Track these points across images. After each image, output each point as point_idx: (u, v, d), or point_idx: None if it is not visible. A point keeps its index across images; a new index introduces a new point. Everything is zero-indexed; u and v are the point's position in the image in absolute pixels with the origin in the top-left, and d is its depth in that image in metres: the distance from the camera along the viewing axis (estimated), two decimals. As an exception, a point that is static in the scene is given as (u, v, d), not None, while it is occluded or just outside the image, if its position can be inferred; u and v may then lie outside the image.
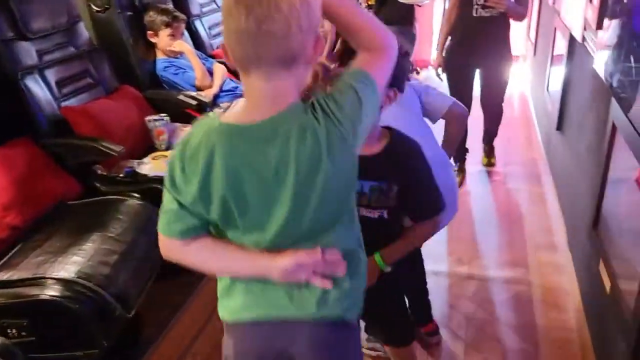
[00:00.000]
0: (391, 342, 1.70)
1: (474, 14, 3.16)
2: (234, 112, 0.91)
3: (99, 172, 2.00)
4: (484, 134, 3.63)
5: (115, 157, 2.02)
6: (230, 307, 1.07)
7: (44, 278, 1.43)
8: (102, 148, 1.90)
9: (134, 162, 2.04)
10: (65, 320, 1.40)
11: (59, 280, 1.42)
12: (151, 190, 1.93)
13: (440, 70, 3.36)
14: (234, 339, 1.09)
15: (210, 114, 1.02)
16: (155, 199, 1.91)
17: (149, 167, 2.03)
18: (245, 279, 1.02)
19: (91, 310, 1.39)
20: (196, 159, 0.89)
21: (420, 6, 4.00)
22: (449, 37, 3.32)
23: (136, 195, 1.87)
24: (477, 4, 3.08)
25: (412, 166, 1.34)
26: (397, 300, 1.59)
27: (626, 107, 1.60)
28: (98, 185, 1.99)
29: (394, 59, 0.97)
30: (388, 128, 1.35)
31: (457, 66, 3.28)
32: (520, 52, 5.70)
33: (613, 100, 1.73)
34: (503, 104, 3.50)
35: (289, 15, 0.79)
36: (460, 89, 3.19)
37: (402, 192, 1.34)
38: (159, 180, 1.97)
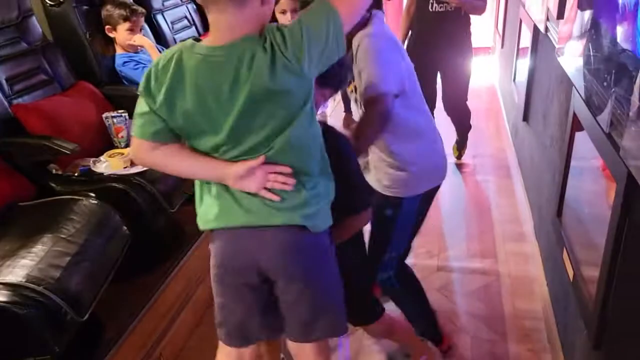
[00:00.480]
0: (354, 321, 1.66)
1: (430, 9, 3.12)
2: (205, 39, 1.09)
3: (54, 171, 1.93)
4: (457, 135, 3.62)
5: (71, 156, 1.94)
6: (202, 217, 1.22)
7: (-9, 283, 1.36)
8: (54, 146, 1.83)
9: (90, 161, 1.97)
10: (13, 326, 1.33)
11: (6, 285, 1.35)
12: (107, 189, 1.87)
13: None
14: (214, 247, 1.23)
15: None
16: (112, 198, 1.88)
17: (105, 165, 1.96)
18: (212, 191, 1.17)
19: (40, 316, 1.32)
20: (167, 70, 1.06)
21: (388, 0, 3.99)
22: (409, 33, 3.30)
23: (91, 194, 1.81)
24: None
25: (341, 166, 1.33)
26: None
27: (586, 96, 1.60)
28: (53, 185, 1.92)
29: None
30: (322, 123, 1.33)
31: (416, 62, 3.25)
32: (490, 44, 5.75)
33: (574, 90, 1.73)
34: (468, 102, 3.46)
35: None
36: (422, 84, 3.17)
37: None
38: (115, 179, 1.92)
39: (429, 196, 1.77)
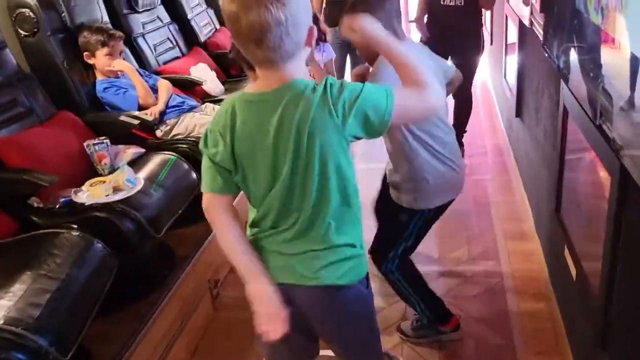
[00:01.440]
0: None
1: (442, 2, 3.20)
2: (251, 86, 1.14)
3: (35, 205, 1.88)
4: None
5: (53, 188, 1.89)
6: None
7: (-34, 327, 1.30)
8: (32, 179, 1.77)
9: (71, 191, 1.92)
10: (-7, 371, 1.27)
11: (-16, 329, 1.29)
12: (90, 219, 1.81)
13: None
14: None
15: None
16: (95, 228, 1.82)
17: (86, 195, 1.91)
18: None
19: (20, 358, 1.27)
20: (221, 121, 1.10)
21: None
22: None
23: (74, 226, 1.75)
24: None
25: None
26: None
27: (574, 88, 1.55)
28: (35, 219, 1.86)
29: (426, 102, 1.15)
30: None
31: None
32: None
33: (562, 82, 1.68)
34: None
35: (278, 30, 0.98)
36: None
37: None
38: (98, 208, 1.87)
39: (443, 208, 1.84)
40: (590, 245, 1.61)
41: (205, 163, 1.14)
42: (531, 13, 2.27)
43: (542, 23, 2.01)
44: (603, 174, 1.49)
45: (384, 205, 1.97)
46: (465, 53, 3.27)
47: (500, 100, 4.12)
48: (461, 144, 3.58)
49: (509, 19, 3.33)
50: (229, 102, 1.11)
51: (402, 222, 1.81)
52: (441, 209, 1.84)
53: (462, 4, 3.16)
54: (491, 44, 4.68)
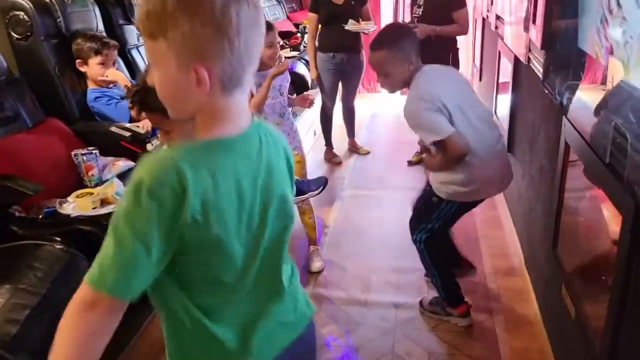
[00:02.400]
0: None
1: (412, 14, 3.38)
2: (208, 131, 0.84)
3: (17, 214, 1.78)
4: None
5: (36, 197, 1.80)
6: None
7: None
8: (16, 187, 1.69)
9: (56, 202, 1.83)
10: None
11: (-45, 346, 1.19)
12: (74, 232, 1.73)
13: None
14: None
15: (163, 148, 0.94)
16: (80, 242, 1.73)
17: (72, 206, 1.82)
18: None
19: (-7, 379, 1.17)
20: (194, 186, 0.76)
21: (366, 34, 3.98)
22: None
23: (57, 238, 1.66)
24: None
25: None
26: None
27: (578, 125, 1.55)
28: (15, 229, 1.76)
29: None
30: None
31: None
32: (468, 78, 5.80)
33: (565, 119, 1.68)
34: None
35: None
36: None
37: None
38: (83, 220, 1.78)
39: (471, 205, 2.12)
40: (591, 285, 1.59)
41: (138, 254, 0.74)
42: (529, 50, 2.30)
43: (541, 60, 2.03)
44: (607, 212, 1.48)
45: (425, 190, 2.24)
46: None
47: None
48: None
49: (502, 56, 3.38)
50: (172, 157, 0.79)
51: (433, 203, 2.08)
52: (469, 205, 2.12)
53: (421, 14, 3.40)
54: (480, 79, 4.75)
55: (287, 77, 2.58)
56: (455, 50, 3.65)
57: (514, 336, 2.16)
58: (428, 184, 2.18)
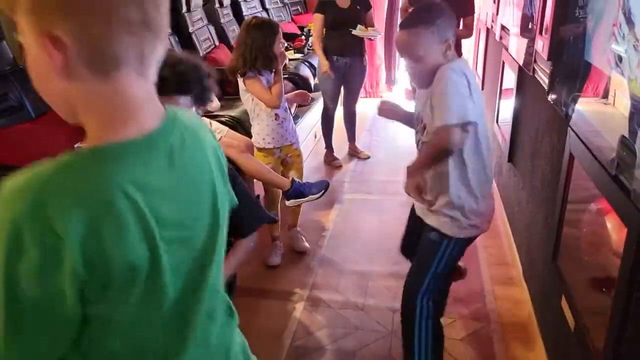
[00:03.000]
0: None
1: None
2: (94, 136, 0.63)
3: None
4: None
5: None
6: None
7: None
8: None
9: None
10: None
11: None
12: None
13: None
14: None
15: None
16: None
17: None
18: None
19: None
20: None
21: (371, 40, 4.00)
22: None
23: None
24: None
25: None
26: None
27: (584, 136, 1.55)
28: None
29: None
30: None
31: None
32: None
33: (570, 130, 1.69)
34: None
35: None
36: None
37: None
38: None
39: (472, 239, 1.85)
40: (592, 297, 1.59)
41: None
42: (534, 61, 2.30)
43: (547, 71, 2.03)
44: (610, 224, 1.48)
45: (415, 237, 1.92)
46: None
47: (490, 144, 4.15)
48: None
49: (506, 65, 3.38)
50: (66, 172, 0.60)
51: (431, 243, 1.79)
52: (471, 240, 1.85)
53: None
54: (482, 88, 4.76)
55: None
56: (460, 54, 3.72)
57: (511, 345, 2.16)
58: (413, 220, 1.95)
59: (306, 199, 2.49)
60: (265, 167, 2.54)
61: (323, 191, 2.51)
